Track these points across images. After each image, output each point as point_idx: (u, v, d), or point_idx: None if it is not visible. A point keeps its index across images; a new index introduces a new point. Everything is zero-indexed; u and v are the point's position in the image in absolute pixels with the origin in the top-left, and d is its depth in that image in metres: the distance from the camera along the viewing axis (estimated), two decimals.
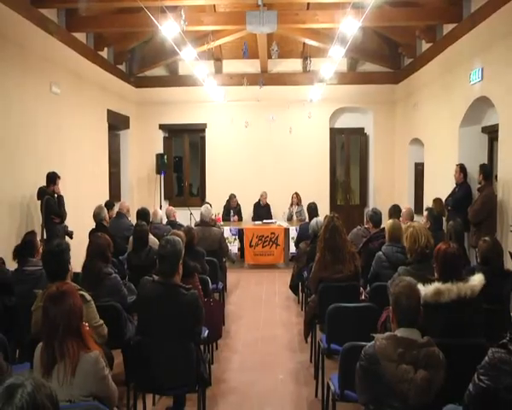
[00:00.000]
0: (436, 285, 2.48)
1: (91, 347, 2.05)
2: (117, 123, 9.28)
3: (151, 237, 4.94)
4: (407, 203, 8.46)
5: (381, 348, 2.00)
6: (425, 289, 2.45)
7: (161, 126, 10.38)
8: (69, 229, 5.81)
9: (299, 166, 10.06)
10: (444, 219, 6.00)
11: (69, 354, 1.94)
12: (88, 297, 2.88)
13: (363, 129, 10.56)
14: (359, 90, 9.87)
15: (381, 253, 3.99)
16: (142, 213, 5.71)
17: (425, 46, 8.19)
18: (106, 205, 6.05)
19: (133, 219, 6.35)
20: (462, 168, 6.24)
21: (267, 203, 9.59)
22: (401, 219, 5.23)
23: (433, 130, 7.78)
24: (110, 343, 3.08)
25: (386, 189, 10.03)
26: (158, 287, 2.78)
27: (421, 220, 5.60)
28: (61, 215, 5.64)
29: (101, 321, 2.97)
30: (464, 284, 2.50)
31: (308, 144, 10.11)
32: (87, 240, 3.86)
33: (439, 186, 7.15)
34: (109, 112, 8.67)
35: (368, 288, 4.16)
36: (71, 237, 5.69)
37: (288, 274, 6.82)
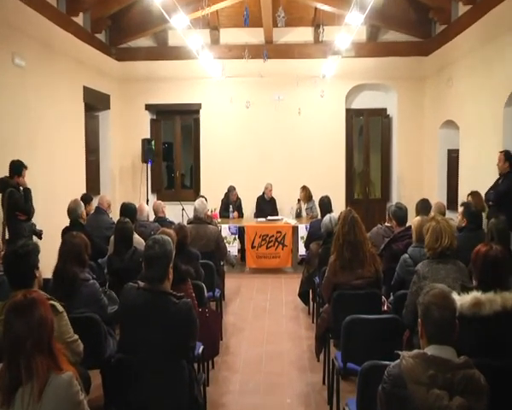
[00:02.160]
0: (475, 295, 2.48)
1: (64, 367, 2.02)
2: (95, 102, 9.28)
3: (136, 236, 4.96)
4: (438, 198, 8.44)
5: (408, 369, 1.98)
6: (461, 299, 2.44)
7: (148, 107, 10.41)
8: (37, 227, 5.81)
9: (309, 154, 10.08)
10: (484, 216, 5.95)
11: (38, 374, 1.92)
12: (60, 308, 2.87)
13: (385, 110, 10.55)
14: (381, 64, 9.83)
15: (406, 256, 3.98)
16: (126, 209, 5.71)
17: (462, 9, 8.11)
18: (82, 199, 6.05)
19: (115, 216, 6.37)
20: (506, 156, 6.17)
21: (272, 197, 9.62)
22: (430, 215, 5.19)
23: (471, 110, 7.75)
24: (87, 362, 3.09)
25: (413, 180, 10.03)
26: (144, 295, 2.78)
27: (455, 218, 5.58)
28: (28, 211, 5.64)
29: (76, 336, 2.97)
30: (510, 294, 2.48)
31: (320, 128, 10.12)
32: (59, 240, 3.85)
33: (478, 177, 7.13)
34: (86, 89, 8.67)
35: (391, 297, 4.20)
36: (39, 237, 5.69)
37: (296, 280, 6.86)
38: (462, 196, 7.32)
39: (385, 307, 4.10)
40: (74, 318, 3.05)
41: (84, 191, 7.89)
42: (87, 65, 8.73)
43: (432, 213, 5.15)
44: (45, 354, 1.98)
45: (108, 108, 9.83)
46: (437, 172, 9.37)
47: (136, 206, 6.05)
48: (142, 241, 4.80)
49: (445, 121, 8.95)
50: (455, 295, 2.29)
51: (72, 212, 5.53)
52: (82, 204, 5.65)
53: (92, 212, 6.46)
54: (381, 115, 10.61)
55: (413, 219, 4.30)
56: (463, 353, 2.04)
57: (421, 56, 9.78)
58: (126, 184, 10.33)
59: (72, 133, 8.23)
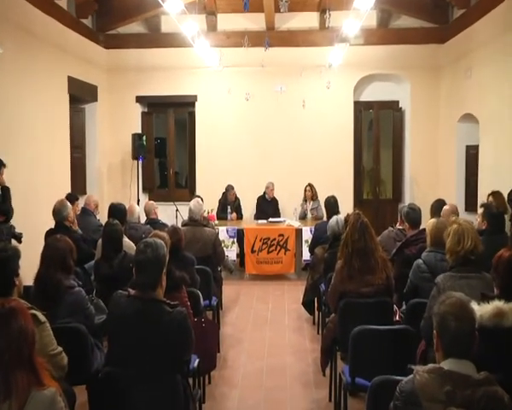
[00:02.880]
0: (497, 304, 2.47)
1: (46, 382, 2.02)
2: (81, 94, 9.29)
3: (126, 239, 4.98)
4: (455, 198, 8.44)
5: (423, 385, 1.97)
6: (481, 309, 2.43)
7: (139, 99, 10.42)
8: (17, 230, 5.80)
9: (314, 151, 10.09)
10: (506, 218, 5.92)
11: (17, 391, 1.91)
12: (42, 318, 2.87)
13: (397, 102, 10.56)
14: (393, 53, 9.84)
15: (420, 261, 4.00)
16: (115, 210, 5.73)
17: None
18: (67, 199, 6.03)
19: (103, 218, 6.36)
20: None
21: (274, 197, 9.65)
22: (443, 218, 5.19)
23: (492, 103, 7.74)
24: (71, 377, 3.08)
25: (428, 179, 10.05)
26: (135, 303, 2.79)
27: (474, 220, 5.52)
28: (6, 212, 5.64)
29: (60, 348, 2.97)
30: None
31: (326, 122, 10.13)
32: (42, 244, 3.86)
33: (500, 176, 7.15)
34: (71, 80, 8.67)
35: (403, 306, 4.20)
36: (19, 241, 5.69)
37: (300, 287, 6.90)
38: (482, 196, 7.29)
39: (397, 317, 4.11)
40: (58, 328, 3.05)
41: (69, 191, 7.89)
42: (72, 53, 8.72)
43: (442, 218, 5.19)
44: (25, 369, 1.97)
45: (95, 100, 9.83)
46: (454, 171, 9.35)
47: (126, 206, 6.08)
48: (133, 245, 4.84)
49: (464, 115, 8.94)
50: (474, 305, 2.28)
51: (57, 213, 5.53)
52: (69, 205, 5.66)
53: (78, 213, 6.45)
54: (392, 108, 10.60)
55: (427, 222, 4.30)
56: (484, 368, 2.03)
57: (437, 44, 9.79)
58: (115, 182, 10.32)
59: (55, 127, 8.23)
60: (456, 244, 3.39)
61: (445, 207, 5.56)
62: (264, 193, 9.61)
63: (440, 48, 9.78)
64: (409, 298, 3.99)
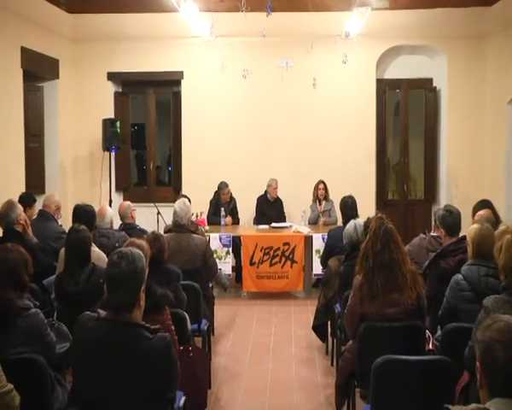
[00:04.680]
0: None
1: None
2: (38, 70, 9.30)
3: (95, 249, 4.98)
4: (503, 200, 8.45)
5: None
6: None
7: (111, 76, 10.41)
8: None
9: (327, 141, 10.07)
10: None
11: None
12: None
13: (430, 80, 10.55)
14: (425, 19, 9.86)
15: (460, 276, 4.00)
16: (81, 213, 5.69)
17: None
18: (22, 201, 6.05)
19: (66, 223, 6.37)
20: None
21: (278, 197, 9.64)
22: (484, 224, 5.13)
23: None
24: None
25: (469, 175, 10.05)
26: (106, 328, 2.77)
27: None
28: None
29: (10, 386, 2.95)
30: None
31: (342, 106, 10.10)
32: None
33: None
34: (25, 52, 8.67)
35: (438, 331, 4.19)
36: None
37: (310, 308, 7.07)
38: None
39: (430, 346, 4.09)
40: (9, 360, 3.04)
41: (23, 190, 7.89)
42: (26, 18, 8.71)
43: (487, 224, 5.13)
44: None
45: (57, 77, 9.82)
46: (504, 165, 9.34)
47: (96, 209, 6.05)
48: (104, 256, 4.84)
49: None
50: None
51: (4, 217, 5.53)
52: (18, 206, 5.65)
53: (35, 217, 6.44)
54: (424, 88, 10.59)
55: (468, 228, 4.29)
56: None
57: (482, 6, 9.77)
58: (82, 179, 10.30)
59: (5, 111, 8.20)
60: (509, 258, 3.38)
61: (479, 212, 5.51)
62: (266, 192, 9.60)
63: (486, 12, 9.77)
64: (445, 322, 3.96)
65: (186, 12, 8.46)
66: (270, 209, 9.50)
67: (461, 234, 4.85)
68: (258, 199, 9.67)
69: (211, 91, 10.27)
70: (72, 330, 3.01)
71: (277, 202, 9.63)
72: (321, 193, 9.33)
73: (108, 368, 2.69)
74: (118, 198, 10.11)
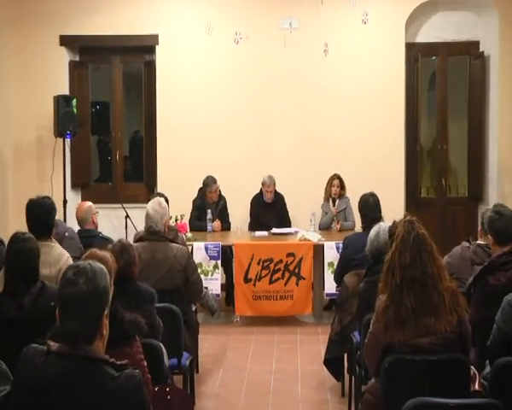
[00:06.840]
0: None
1: None
2: None
3: (56, 245, 4.96)
4: None
5: None
6: None
7: (66, 41, 9.69)
8: None
9: (342, 123, 9.45)
10: None
11: None
12: None
13: (476, 44, 9.93)
14: None
15: None
16: (38, 210, 5.29)
17: None
18: None
19: (6, 229, 5.98)
20: None
21: (278, 196, 9.04)
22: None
23: None
24: None
25: None
26: (58, 364, 2.55)
27: None
28: None
29: None
30: None
31: (362, 78, 9.49)
32: None
33: None
34: None
35: (487, 367, 4.03)
36: None
37: (321, 337, 6.83)
38: None
39: (476, 386, 3.73)
40: None
41: None
42: None
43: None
44: None
45: None
46: None
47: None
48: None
49: None
50: None
51: None
52: None
53: None
54: (469, 54, 9.93)
55: None
56: None
57: None
58: (27, 173, 9.60)
59: None
60: None
61: None
62: (261, 191, 9.01)
63: None
64: (496, 355, 3.71)
65: None
66: (266, 214, 8.89)
67: None
68: (252, 201, 9.09)
69: (193, 61, 9.59)
70: (14, 367, 2.76)
71: (277, 204, 9.01)
72: (335, 190, 8.75)
73: None
74: (74, 197, 9.53)
